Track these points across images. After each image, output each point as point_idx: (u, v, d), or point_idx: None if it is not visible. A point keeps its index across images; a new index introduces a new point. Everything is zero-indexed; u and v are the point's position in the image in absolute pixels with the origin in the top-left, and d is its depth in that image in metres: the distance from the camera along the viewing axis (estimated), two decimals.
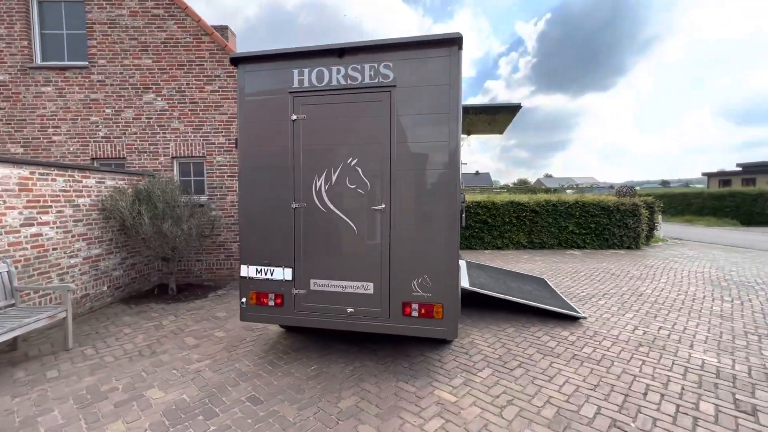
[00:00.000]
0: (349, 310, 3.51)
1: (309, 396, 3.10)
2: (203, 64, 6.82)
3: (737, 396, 3.05)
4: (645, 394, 3.11)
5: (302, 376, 3.45)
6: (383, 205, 3.42)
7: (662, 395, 3.08)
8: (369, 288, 3.46)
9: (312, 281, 3.57)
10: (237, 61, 3.65)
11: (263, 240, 3.68)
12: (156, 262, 6.73)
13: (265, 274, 3.65)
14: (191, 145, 6.88)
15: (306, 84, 3.51)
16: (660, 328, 4.58)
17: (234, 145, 6.75)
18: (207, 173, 6.96)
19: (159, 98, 6.81)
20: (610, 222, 10.51)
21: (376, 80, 3.37)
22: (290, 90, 3.54)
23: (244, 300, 3.69)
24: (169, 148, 6.89)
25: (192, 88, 6.82)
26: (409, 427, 2.68)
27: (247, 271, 3.67)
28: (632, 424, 2.69)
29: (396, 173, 3.37)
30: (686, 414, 2.80)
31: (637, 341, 4.18)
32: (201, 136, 6.87)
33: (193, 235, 5.99)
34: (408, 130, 3.34)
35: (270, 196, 3.66)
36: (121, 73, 6.77)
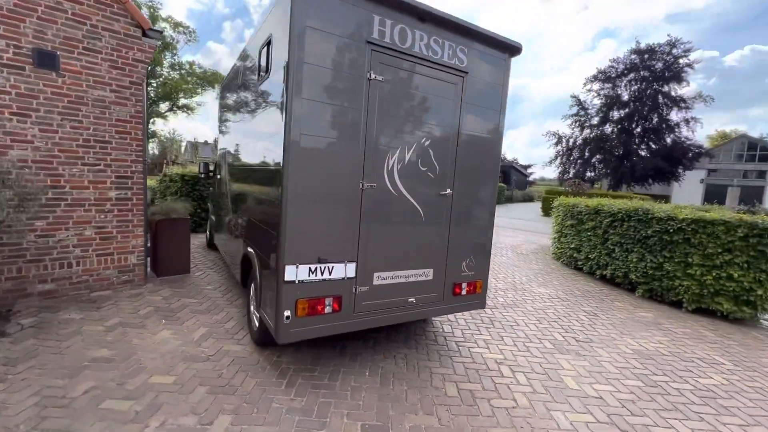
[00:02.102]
0: (411, 299, 3.35)
1: None
2: None
3: None
4: None
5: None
6: (449, 191, 3.43)
7: None
8: (429, 274, 3.44)
9: (375, 275, 3.14)
10: None
11: (319, 231, 2.84)
12: None
13: (322, 274, 2.85)
14: None
15: (387, 39, 2.94)
16: None
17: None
18: None
19: None
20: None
21: (453, 62, 3.29)
22: (369, 39, 2.84)
23: (288, 313, 2.73)
24: None
25: None
26: None
27: (296, 273, 2.74)
28: None
29: (460, 159, 3.46)
30: None
31: None
32: None
33: None
34: (471, 120, 3.49)
35: (334, 175, 2.84)
36: None
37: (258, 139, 3.40)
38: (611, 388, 3.34)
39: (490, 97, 3.59)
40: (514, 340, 4.20)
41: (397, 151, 3.13)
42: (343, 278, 2.97)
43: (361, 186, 2.98)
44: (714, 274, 5.42)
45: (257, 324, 3.51)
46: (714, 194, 30.78)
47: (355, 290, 3.04)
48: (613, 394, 3.24)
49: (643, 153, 31.99)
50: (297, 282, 2.78)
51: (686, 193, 34.57)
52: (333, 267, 2.90)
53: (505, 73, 3.67)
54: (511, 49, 3.61)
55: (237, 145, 4.52)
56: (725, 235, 5.37)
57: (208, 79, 24.98)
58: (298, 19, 2.56)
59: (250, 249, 3.55)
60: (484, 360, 3.67)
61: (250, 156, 3.69)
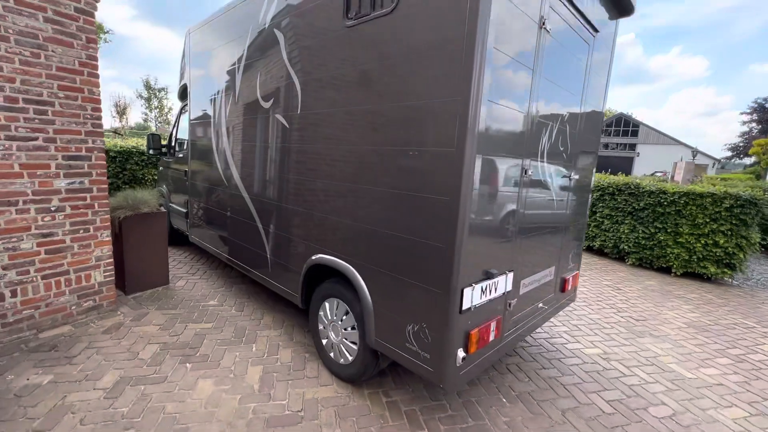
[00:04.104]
0: (540, 305, 2.85)
1: None
2: None
3: None
4: None
5: None
6: (574, 175, 2.92)
7: None
8: (552, 272, 2.95)
9: (522, 283, 2.52)
10: None
11: (487, 235, 2.11)
12: None
13: (489, 293, 2.15)
14: None
15: None
16: None
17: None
18: None
19: None
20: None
21: (591, 14, 2.68)
22: None
23: (462, 354, 2.01)
24: None
25: None
26: None
27: (470, 297, 2.00)
28: None
29: (581, 140, 2.95)
30: None
31: None
32: None
33: None
34: (590, 91, 2.97)
35: (505, 159, 2.11)
36: None
37: (379, 111, 2.21)
38: (715, 371, 3.34)
39: (602, 66, 3.09)
40: (589, 327, 4.01)
41: (548, 129, 2.46)
42: (504, 293, 2.29)
43: (523, 173, 2.27)
44: (702, 241, 6.00)
45: (348, 355, 2.64)
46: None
47: (509, 306, 2.39)
48: (725, 377, 3.23)
49: None
50: (472, 309, 2.02)
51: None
52: (498, 281, 2.19)
53: (615, 37, 3.19)
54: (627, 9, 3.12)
55: (305, 114, 2.82)
56: (712, 206, 5.93)
57: None
58: None
59: (339, 261, 2.56)
60: (590, 357, 3.38)
61: (361, 132, 2.36)
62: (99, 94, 3.22)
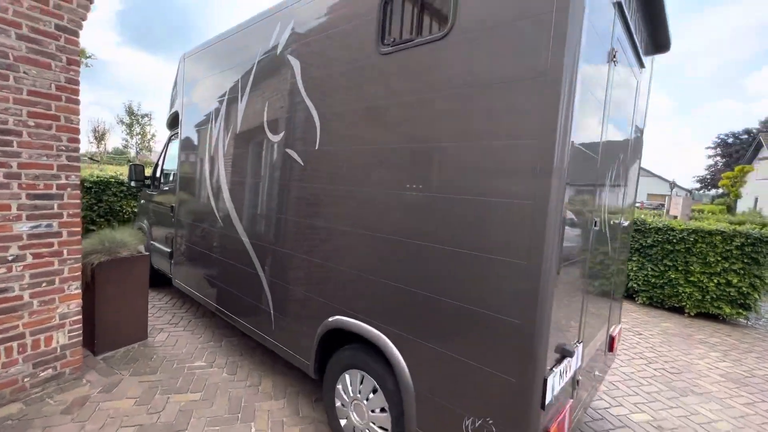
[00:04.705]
0: (596, 372, 2.45)
1: None
2: None
3: None
4: None
5: None
6: (626, 222, 2.63)
7: None
8: (604, 332, 2.58)
9: (586, 351, 2.14)
10: None
11: (565, 304, 1.75)
12: None
13: (566, 375, 1.76)
14: None
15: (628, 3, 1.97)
16: None
17: None
18: None
19: None
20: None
21: (641, 45, 2.47)
22: (615, 1, 1.85)
23: None
24: None
25: None
26: None
27: (552, 386, 1.60)
28: None
29: (630, 184, 2.69)
30: None
31: None
32: None
33: None
34: (636, 138, 2.74)
35: (583, 211, 1.80)
36: None
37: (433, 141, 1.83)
38: None
39: (643, 106, 2.89)
40: (626, 384, 3.61)
41: (610, 174, 2.16)
42: (575, 371, 1.89)
43: (593, 225, 1.94)
44: (715, 280, 5.82)
45: None
46: None
47: (578, 384, 1.98)
48: None
49: None
50: (553, 400, 1.60)
51: None
52: (571, 359, 1.79)
53: (652, 73, 3.01)
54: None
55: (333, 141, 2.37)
56: (722, 244, 5.80)
57: None
58: None
59: (366, 327, 2.11)
60: (640, 426, 2.96)
61: (399, 174, 1.97)
62: (78, 123, 2.76)
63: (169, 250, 4.48)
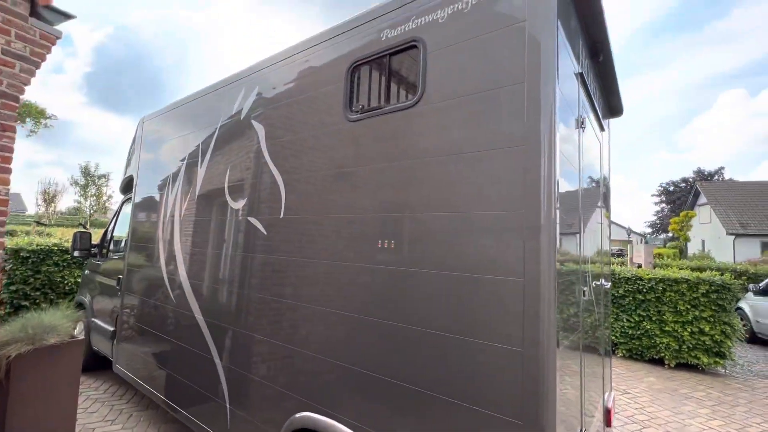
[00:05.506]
0: None
1: None
2: None
3: None
4: None
5: None
6: (608, 283, 2.56)
7: None
8: (600, 405, 2.38)
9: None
10: None
11: (568, 389, 1.56)
12: None
13: None
14: None
15: (584, 73, 2.04)
16: None
17: None
18: None
19: None
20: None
21: (599, 123, 2.57)
22: (577, 71, 1.90)
23: None
24: None
25: None
26: None
27: None
28: None
29: (605, 244, 2.66)
30: None
31: None
32: None
33: None
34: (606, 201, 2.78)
35: (573, 285, 1.69)
36: None
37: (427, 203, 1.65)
38: None
39: (605, 168, 2.97)
40: None
41: (589, 239, 2.10)
42: None
43: (582, 295, 1.81)
44: (689, 329, 5.84)
45: None
46: None
47: None
48: None
49: None
50: None
51: None
52: None
53: (610, 136, 3.15)
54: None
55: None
56: (689, 292, 5.93)
57: None
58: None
59: (340, 427, 1.78)
60: None
61: (374, 247, 1.78)
62: (7, 194, 2.45)
63: (112, 328, 3.93)
